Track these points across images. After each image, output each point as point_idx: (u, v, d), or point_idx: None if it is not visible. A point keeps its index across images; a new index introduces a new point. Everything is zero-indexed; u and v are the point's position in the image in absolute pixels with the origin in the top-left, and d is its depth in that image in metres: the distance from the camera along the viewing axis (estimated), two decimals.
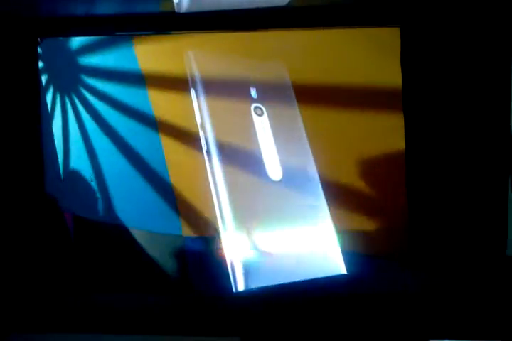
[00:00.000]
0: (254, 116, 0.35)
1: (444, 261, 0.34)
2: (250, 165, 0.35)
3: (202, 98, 0.35)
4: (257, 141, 0.35)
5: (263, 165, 0.35)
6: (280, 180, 0.35)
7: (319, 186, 0.35)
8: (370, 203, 0.34)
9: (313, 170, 0.35)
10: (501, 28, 0.33)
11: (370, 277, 0.35)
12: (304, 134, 0.35)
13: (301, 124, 0.35)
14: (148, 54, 0.36)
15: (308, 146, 0.35)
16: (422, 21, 0.34)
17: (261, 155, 0.35)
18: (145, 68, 0.36)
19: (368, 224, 0.34)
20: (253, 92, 0.35)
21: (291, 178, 0.35)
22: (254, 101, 0.35)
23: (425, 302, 0.34)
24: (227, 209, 0.34)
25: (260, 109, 0.35)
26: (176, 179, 0.35)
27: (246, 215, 0.34)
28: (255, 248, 0.34)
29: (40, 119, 0.36)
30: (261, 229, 0.34)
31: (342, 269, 0.34)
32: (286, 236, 0.34)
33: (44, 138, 0.36)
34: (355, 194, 0.34)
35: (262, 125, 0.35)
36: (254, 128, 0.35)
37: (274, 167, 0.35)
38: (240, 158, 0.35)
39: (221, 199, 0.34)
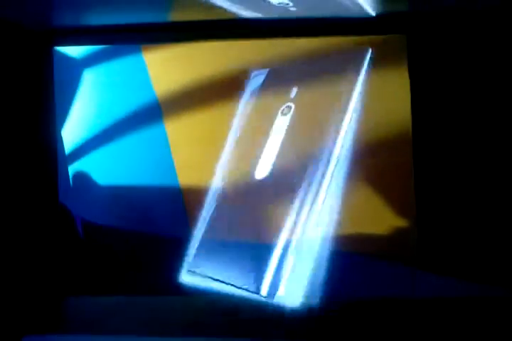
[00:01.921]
0: (279, 116, 0.35)
1: (454, 263, 0.34)
2: (248, 165, 0.35)
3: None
4: (265, 141, 0.35)
5: (255, 164, 0.35)
6: (264, 179, 0.35)
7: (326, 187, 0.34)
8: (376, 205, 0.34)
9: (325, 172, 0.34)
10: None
11: (378, 280, 0.34)
12: (341, 135, 0.34)
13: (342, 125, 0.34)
14: (158, 62, 0.37)
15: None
16: (429, 29, 0.34)
17: (260, 154, 0.35)
18: (155, 77, 0.37)
19: (374, 226, 0.34)
20: (293, 92, 0.35)
21: (280, 177, 0.35)
22: (289, 100, 0.35)
23: (435, 306, 0.34)
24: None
25: (289, 107, 0.35)
26: (185, 181, 0.36)
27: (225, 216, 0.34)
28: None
29: (54, 125, 0.38)
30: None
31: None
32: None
33: (59, 145, 0.38)
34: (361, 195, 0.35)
35: (281, 124, 0.35)
36: (271, 129, 0.35)
37: (264, 166, 0.35)
38: (242, 157, 0.35)
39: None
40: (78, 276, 0.37)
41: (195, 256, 0.35)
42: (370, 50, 0.34)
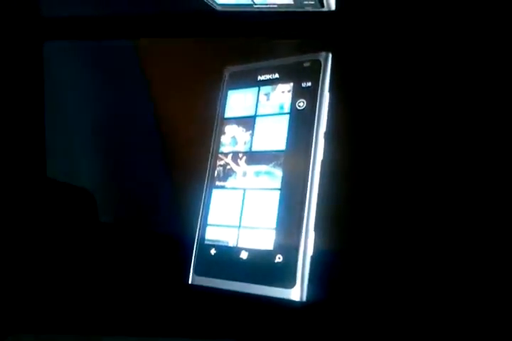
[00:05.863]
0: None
1: (444, 260, 0.33)
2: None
3: None
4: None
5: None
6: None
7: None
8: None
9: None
10: None
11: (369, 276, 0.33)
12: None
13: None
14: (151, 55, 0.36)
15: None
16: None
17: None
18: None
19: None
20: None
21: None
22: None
23: (427, 302, 0.33)
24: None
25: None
26: (179, 175, 0.36)
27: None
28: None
29: (43, 118, 0.37)
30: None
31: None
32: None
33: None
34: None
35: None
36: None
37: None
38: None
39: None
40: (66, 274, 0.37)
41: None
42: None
